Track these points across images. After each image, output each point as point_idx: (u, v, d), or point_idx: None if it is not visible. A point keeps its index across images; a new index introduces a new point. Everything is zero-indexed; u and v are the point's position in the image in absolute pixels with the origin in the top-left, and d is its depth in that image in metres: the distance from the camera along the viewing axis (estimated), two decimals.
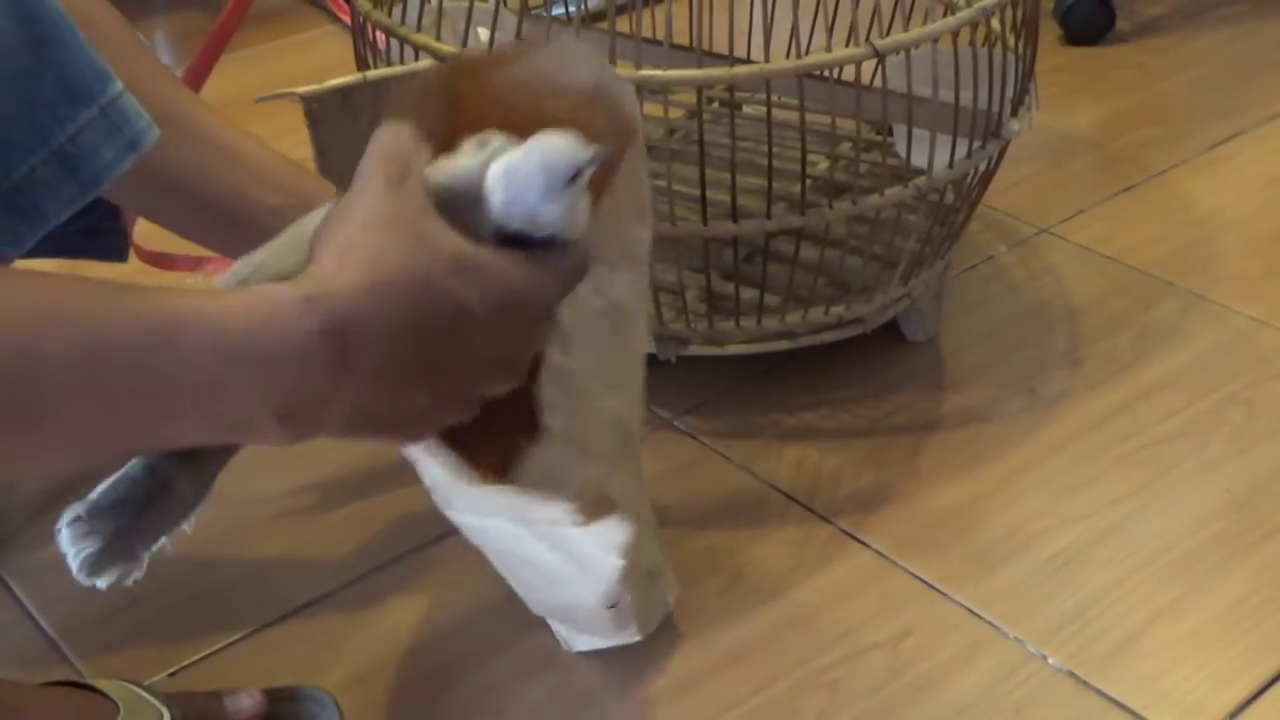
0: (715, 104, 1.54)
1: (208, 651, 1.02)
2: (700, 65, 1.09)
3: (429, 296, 0.64)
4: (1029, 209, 1.53)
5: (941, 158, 1.16)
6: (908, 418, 1.24)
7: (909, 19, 1.34)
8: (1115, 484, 1.15)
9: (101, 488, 0.71)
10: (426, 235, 0.65)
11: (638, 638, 0.98)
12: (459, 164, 0.70)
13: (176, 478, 0.72)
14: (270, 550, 1.11)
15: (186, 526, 0.74)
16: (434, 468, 0.79)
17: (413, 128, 0.69)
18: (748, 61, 1.42)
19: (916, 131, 1.12)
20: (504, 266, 0.68)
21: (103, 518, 0.70)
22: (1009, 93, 1.19)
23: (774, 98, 1.13)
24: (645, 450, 1.02)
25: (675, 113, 1.50)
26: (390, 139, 0.69)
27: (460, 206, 0.68)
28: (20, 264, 0.83)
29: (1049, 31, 1.87)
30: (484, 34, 1.24)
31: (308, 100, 1.05)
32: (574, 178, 0.68)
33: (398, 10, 1.19)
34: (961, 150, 1.17)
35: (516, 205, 0.68)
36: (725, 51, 1.45)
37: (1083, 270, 1.43)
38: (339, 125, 1.07)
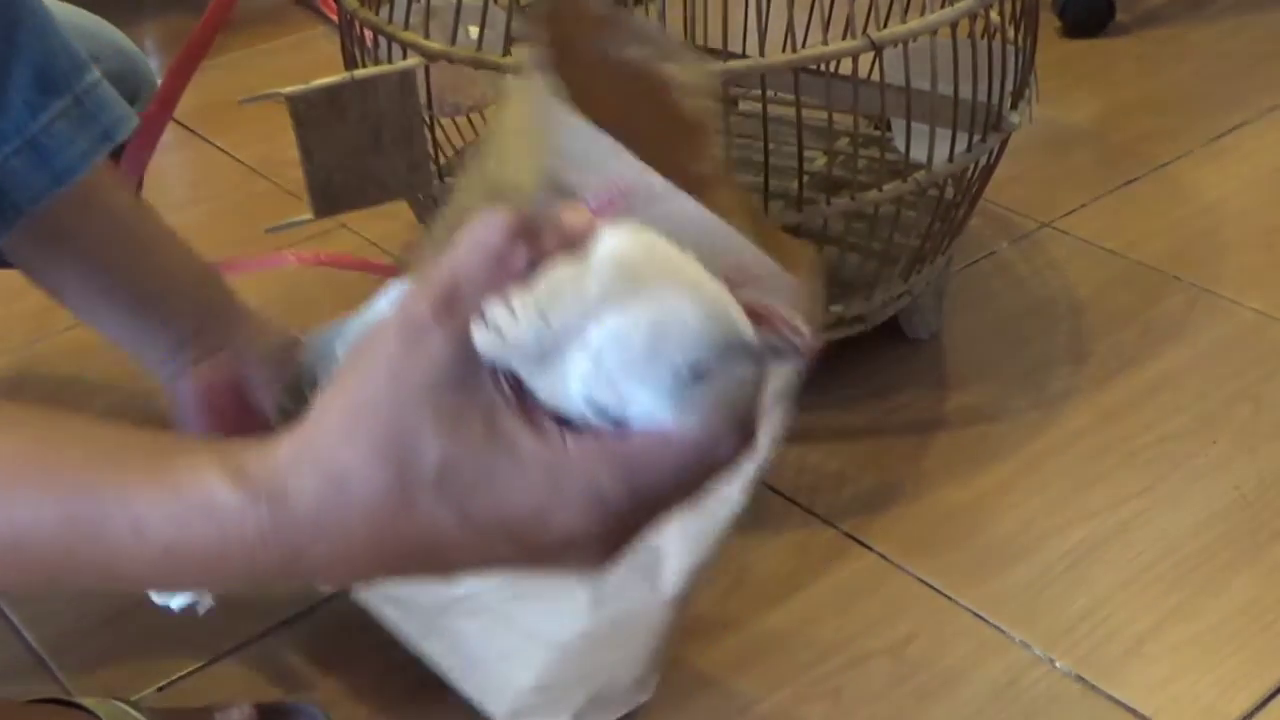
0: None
1: (197, 666, 1.00)
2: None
3: (401, 528, 0.50)
4: (1030, 203, 1.51)
5: (941, 151, 1.14)
6: (910, 417, 1.22)
7: (906, 11, 1.32)
8: (1123, 482, 1.13)
9: None
10: (414, 434, 0.49)
11: None
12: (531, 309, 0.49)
13: None
14: None
15: None
16: None
17: (509, 220, 0.50)
18: (742, 57, 1.40)
19: (916, 125, 1.10)
20: (522, 483, 0.49)
21: None
22: (1009, 85, 1.17)
23: (770, 93, 1.11)
24: None
25: None
26: (464, 247, 0.50)
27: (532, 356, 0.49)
28: None
29: (1048, 24, 1.85)
30: (473, 31, 1.22)
31: (293, 100, 1.03)
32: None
33: (385, 9, 1.17)
34: (962, 144, 1.15)
35: (600, 403, 0.48)
36: (719, 48, 1.42)
37: (1086, 265, 1.41)
38: (326, 126, 1.05)
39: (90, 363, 1.30)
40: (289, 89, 1.02)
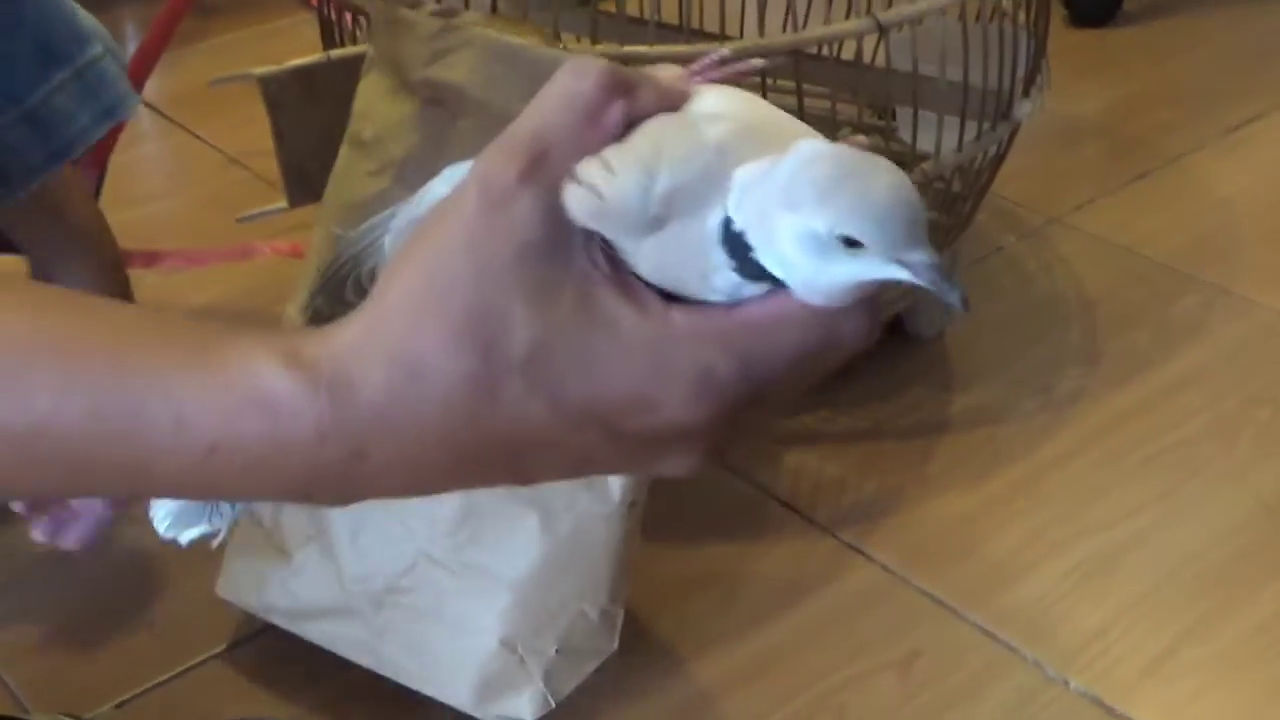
0: None
1: (158, 680, 0.95)
2: (690, 43, 1.02)
3: (484, 422, 0.44)
4: (1038, 197, 1.45)
5: (949, 141, 1.09)
6: (914, 420, 1.17)
7: None
8: (1138, 489, 1.08)
9: None
10: (500, 313, 0.43)
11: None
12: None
13: None
14: None
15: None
16: None
17: (603, 70, 0.43)
18: (739, 39, 1.35)
19: (923, 113, 1.05)
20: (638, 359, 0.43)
21: None
22: (1020, 71, 1.12)
23: (769, 80, 1.06)
24: None
25: None
26: (551, 100, 0.44)
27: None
28: None
29: (1054, 13, 1.80)
30: None
31: (265, 81, 0.98)
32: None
33: None
34: (970, 133, 1.10)
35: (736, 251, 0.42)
36: (716, 32, 1.37)
37: (1097, 261, 1.36)
38: (300, 109, 0.99)
39: None
40: (260, 70, 0.97)
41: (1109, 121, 1.62)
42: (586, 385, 0.43)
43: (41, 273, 0.88)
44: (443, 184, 0.51)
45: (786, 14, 1.03)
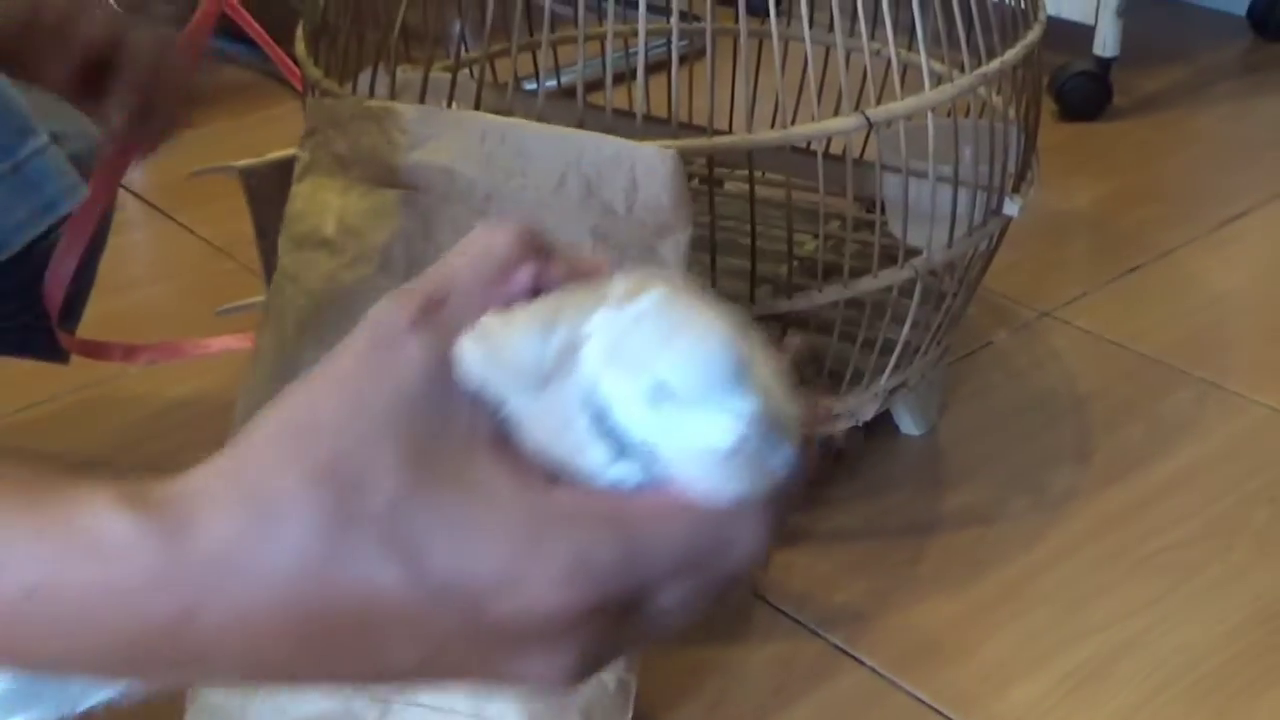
0: (694, 180, 1.45)
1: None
2: (677, 137, 1.01)
3: (331, 583, 0.39)
4: (1029, 291, 1.44)
5: (940, 236, 1.07)
6: (905, 518, 1.14)
7: (903, 88, 1.26)
8: (1133, 592, 1.06)
9: None
10: (366, 460, 0.39)
11: None
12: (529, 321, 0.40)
13: None
14: None
15: None
16: None
17: (519, 229, 0.42)
18: (729, 133, 1.34)
19: (912, 209, 1.04)
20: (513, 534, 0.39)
21: None
22: (1011, 166, 1.11)
23: (758, 173, 1.05)
24: None
25: None
26: (461, 252, 0.42)
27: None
28: None
29: (1044, 108, 1.80)
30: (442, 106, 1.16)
31: (245, 174, 0.97)
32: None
33: (351, 84, 1.11)
34: (961, 228, 1.08)
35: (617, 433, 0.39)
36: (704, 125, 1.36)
37: (1088, 357, 1.34)
38: (281, 201, 0.98)
39: (78, 434, 1.23)
40: (241, 162, 0.96)
41: (1099, 216, 1.61)
42: (452, 556, 0.39)
43: None
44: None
45: (775, 108, 1.02)
